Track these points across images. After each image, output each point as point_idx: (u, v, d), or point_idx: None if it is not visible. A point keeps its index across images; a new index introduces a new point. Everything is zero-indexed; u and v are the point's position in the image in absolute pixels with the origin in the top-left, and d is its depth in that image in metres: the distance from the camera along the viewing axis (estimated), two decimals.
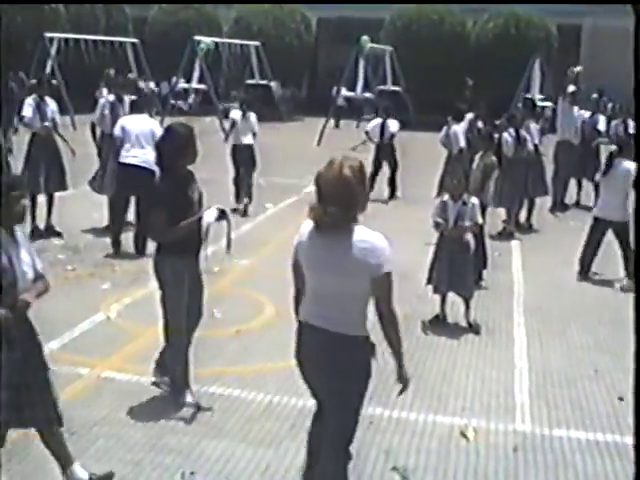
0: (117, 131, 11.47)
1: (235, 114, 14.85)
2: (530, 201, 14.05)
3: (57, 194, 12.11)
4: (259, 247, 11.72)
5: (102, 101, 12.95)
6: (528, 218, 14.12)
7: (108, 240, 11.66)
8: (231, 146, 14.83)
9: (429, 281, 8.71)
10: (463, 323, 8.70)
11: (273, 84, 34.57)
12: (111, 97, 12.86)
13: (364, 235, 4.24)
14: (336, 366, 4.34)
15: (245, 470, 5.59)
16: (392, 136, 16.62)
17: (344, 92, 30.30)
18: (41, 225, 11.97)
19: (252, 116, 14.81)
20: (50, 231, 11.93)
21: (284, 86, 33.85)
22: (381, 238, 4.26)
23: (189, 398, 6.40)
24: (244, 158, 14.64)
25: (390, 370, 4.62)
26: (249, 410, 6.47)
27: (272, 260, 11.05)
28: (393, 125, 16.64)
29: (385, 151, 16.64)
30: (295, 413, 6.45)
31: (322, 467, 4.59)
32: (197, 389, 6.70)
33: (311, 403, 6.57)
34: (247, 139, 14.63)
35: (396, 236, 11.68)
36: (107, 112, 12.53)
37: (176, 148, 6.25)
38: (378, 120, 17.14)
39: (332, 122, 30.05)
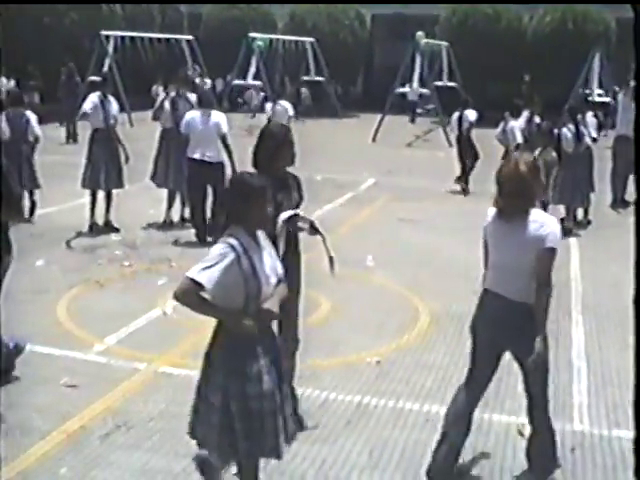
0: (184, 127, 11.63)
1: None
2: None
3: (115, 190, 12.24)
4: (315, 244, 11.67)
5: (162, 97, 13.03)
6: (585, 214, 13.93)
7: (164, 236, 11.79)
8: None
9: None
10: None
11: (324, 80, 34.55)
12: (172, 93, 12.93)
13: (537, 216, 4.94)
14: (522, 330, 4.96)
15: (300, 466, 5.59)
16: (470, 126, 16.59)
17: (410, 87, 30.14)
18: (100, 221, 12.11)
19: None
20: (108, 227, 12.06)
21: (337, 83, 33.82)
22: (552, 219, 4.99)
23: None
24: None
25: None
26: (305, 406, 6.44)
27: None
28: (471, 115, 16.66)
29: (464, 143, 16.62)
30: (351, 410, 6.44)
31: (537, 425, 5.37)
32: None
33: (367, 400, 6.62)
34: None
35: (458, 233, 11.70)
36: (168, 107, 12.61)
37: (271, 148, 5.89)
38: (456, 114, 17.19)
39: (406, 118, 30.26)
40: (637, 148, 10.26)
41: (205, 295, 4.33)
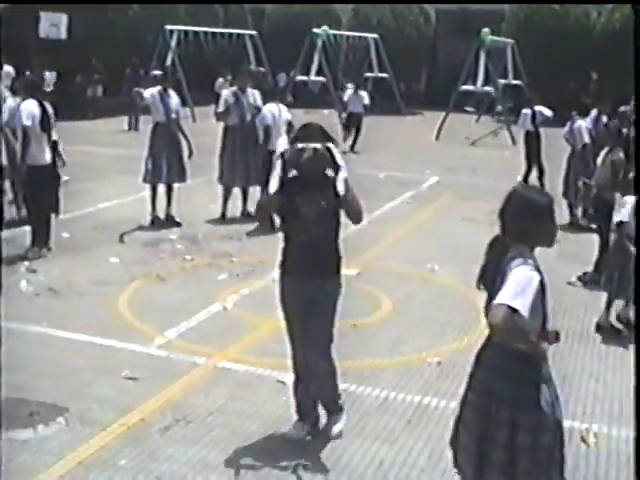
0: (269, 119, 11.93)
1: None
2: None
3: (176, 184, 12.30)
4: (376, 242, 11.64)
5: (225, 93, 13.03)
6: None
7: (225, 230, 11.82)
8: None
9: None
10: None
11: (388, 77, 34.40)
12: (233, 88, 12.93)
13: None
14: None
15: (359, 465, 5.54)
16: (546, 120, 16.48)
17: (468, 86, 29.90)
18: (161, 215, 12.18)
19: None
20: (170, 221, 12.13)
21: (401, 79, 33.65)
22: None
23: None
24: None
25: None
26: (365, 405, 6.41)
27: (390, 256, 10.99)
28: (546, 111, 16.52)
29: (533, 142, 16.48)
30: (411, 410, 6.37)
31: None
32: None
33: (427, 401, 6.54)
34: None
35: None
36: (231, 103, 12.63)
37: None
38: (527, 110, 17.06)
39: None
40: (637, 148, 10.03)
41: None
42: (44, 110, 10.23)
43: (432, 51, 40.94)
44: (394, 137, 26.34)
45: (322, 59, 31.21)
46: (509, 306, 3.85)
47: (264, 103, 12.34)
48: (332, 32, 32.75)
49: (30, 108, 10.08)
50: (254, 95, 12.73)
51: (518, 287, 3.90)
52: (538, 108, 16.54)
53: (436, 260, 10.51)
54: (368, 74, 34.72)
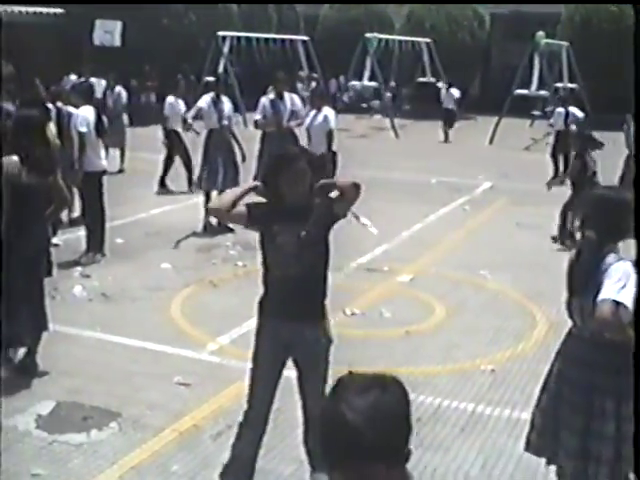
0: (332, 123, 12.04)
1: None
2: None
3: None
4: (430, 247, 11.57)
5: (263, 100, 12.99)
6: None
7: None
8: None
9: None
10: None
11: (440, 83, 34.23)
12: (271, 95, 12.90)
13: None
14: None
15: (412, 472, 5.46)
16: (576, 121, 16.49)
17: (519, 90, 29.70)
18: (214, 221, 12.21)
19: None
20: (222, 227, 12.15)
21: (454, 84, 33.42)
22: None
23: None
24: None
25: None
26: (418, 412, 6.34)
27: (443, 261, 10.90)
28: (578, 112, 16.54)
29: (562, 141, 16.50)
30: (465, 418, 6.30)
31: None
32: None
33: (481, 409, 6.46)
34: None
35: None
36: (268, 110, 12.62)
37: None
38: (560, 109, 17.12)
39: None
40: (637, 148, 9.86)
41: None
42: (99, 116, 10.36)
43: (486, 55, 40.64)
44: (446, 142, 26.25)
45: (375, 64, 31.15)
46: (614, 300, 4.01)
47: (314, 108, 12.31)
48: (385, 37, 32.68)
49: (85, 114, 10.22)
50: (293, 100, 12.67)
51: (620, 282, 4.07)
52: (571, 109, 16.61)
53: (490, 266, 10.40)
54: (420, 79, 34.60)
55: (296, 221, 4.71)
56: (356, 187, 4.76)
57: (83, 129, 10.11)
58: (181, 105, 15.48)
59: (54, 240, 10.68)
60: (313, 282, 4.82)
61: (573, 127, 17.05)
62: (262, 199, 4.84)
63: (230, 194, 4.90)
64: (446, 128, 26.59)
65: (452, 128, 26.71)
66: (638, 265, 4.19)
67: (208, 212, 5.28)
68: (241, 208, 4.75)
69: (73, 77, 25.58)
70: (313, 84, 32.05)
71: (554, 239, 11.86)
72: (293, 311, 4.74)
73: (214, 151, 12.12)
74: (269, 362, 4.93)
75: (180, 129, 14.59)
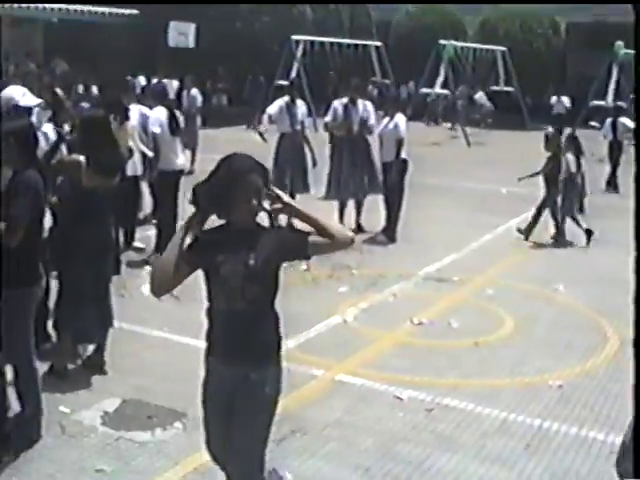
0: (403, 131, 11.91)
1: None
2: None
3: (298, 195, 12.32)
4: (500, 258, 11.43)
5: (335, 103, 12.93)
6: None
7: None
8: None
9: None
10: None
11: (514, 91, 33.86)
12: (344, 100, 12.85)
13: None
14: None
15: None
16: (627, 132, 16.53)
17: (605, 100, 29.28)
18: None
19: None
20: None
21: (528, 93, 33.04)
22: None
23: None
24: None
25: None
26: (483, 425, 6.27)
27: (514, 273, 10.77)
28: (629, 122, 16.45)
29: (615, 151, 16.72)
30: (531, 433, 6.19)
31: None
32: (431, 399, 6.59)
33: (547, 425, 6.35)
34: None
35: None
36: (340, 115, 12.57)
37: None
38: (610, 120, 17.24)
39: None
40: (637, 148, 9.61)
41: None
42: (173, 116, 10.47)
43: (561, 64, 40.11)
44: (517, 152, 25.90)
45: (448, 72, 30.96)
46: None
47: (387, 115, 12.25)
48: (460, 44, 32.47)
49: (158, 116, 10.35)
50: (365, 106, 12.59)
51: None
52: (622, 120, 16.52)
53: (561, 280, 10.23)
54: (494, 87, 34.28)
55: (244, 247, 4.11)
56: (350, 242, 4.22)
57: (156, 130, 10.25)
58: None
59: (137, 244, 10.86)
60: (260, 319, 4.20)
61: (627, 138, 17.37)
62: (201, 223, 4.15)
63: (166, 257, 4.18)
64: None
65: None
66: (638, 265, 4.07)
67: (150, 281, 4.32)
68: (180, 269, 4.16)
69: (142, 78, 25.91)
70: (382, 90, 32.04)
71: (519, 231, 12.71)
72: (237, 352, 4.23)
73: (284, 155, 12.13)
74: (214, 408, 4.47)
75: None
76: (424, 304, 9.09)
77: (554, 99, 31.94)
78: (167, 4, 27.91)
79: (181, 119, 10.81)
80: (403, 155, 11.93)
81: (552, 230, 12.66)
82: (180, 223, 4.30)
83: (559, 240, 12.51)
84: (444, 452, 5.79)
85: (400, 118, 12.01)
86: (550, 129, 13.80)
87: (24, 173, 5.34)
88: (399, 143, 11.85)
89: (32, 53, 29.10)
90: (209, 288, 4.29)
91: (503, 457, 5.81)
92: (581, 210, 13.05)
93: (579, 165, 12.82)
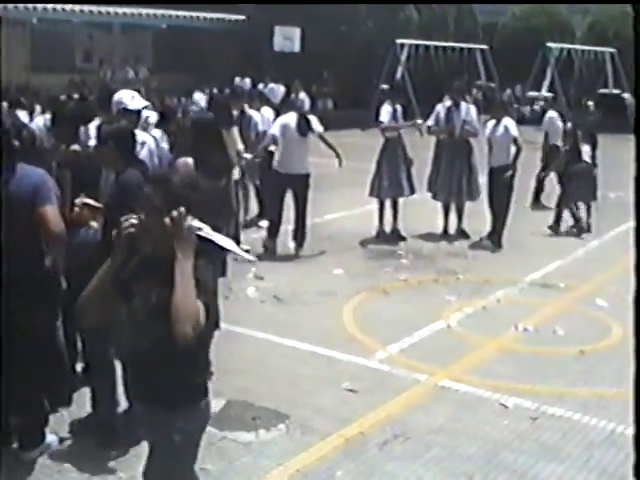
0: (515, 131, 11.77)
1: None
2: None
3: (402, 199, 12.28)
4: (608, 265, 11.18)
5: (439, 106, 12.84)
6: None
7: (451, 247, 11.72)
8: None
9: None
10: None
11: (626, 95, 33.13)
12: (447, 102, 12.76)
13: None
14: None
15: None
16: None
17: None
18: (387, 229, 12.21)
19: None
20: (395, 235, 12.13)
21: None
22: None
23: None
24: None
25: None
26: (590, 436, 6.14)
27: (622, 280, 10.49)
28: None
29: None
30: None
31: None
32: (536, 407, 6.49)
33: None
34: None
35: None
36: (442, 118, 12.48)
37: None
38: None
39: None
40: (637, 147, 9.15)
41: None
42: (303, 120, 10.92)
43: None
44: (626, 156, 25.33)
45: (555, 74, 30.48)
46: None
47: (494, 118, 12.13)
48: (567, 46, 31.94)
49: (266, 117, 10.80)
50: (468, 109, 12.46)
51: None
52: None
53: None
54: (602, 90, 33.59)
55: (153, 278, 3.65)
56: (186, 337, 3.50)
57: (276, 132, 10.77)
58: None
59: (243, 246, 11.04)
60: (167, 358, 3.65)
61: None
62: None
63: (92, 287, 3.74)
64: None
65: None
66: (638, 265, 3.90)
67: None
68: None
69: (247, 80, 26.24)
70: (487, 93, 31.77)
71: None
72: (141, 392, 3.89)
73: (388, 159, 12.10)
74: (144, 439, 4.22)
75: (559, 143, 14.50)
76: (529, 310, 8.96)
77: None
78: (275, 3, 28.15)
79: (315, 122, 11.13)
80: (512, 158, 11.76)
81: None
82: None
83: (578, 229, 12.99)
84: (549, 462, 5.69)
85: (508, 121, 11.85)
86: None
87: (126, 173, 5.48)
88: (515, 144, 11.65)
89: (140, 59, 29.81)
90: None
91: (610, 470, 5.67)
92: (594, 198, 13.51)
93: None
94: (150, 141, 7.73)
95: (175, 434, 3.76)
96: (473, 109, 12.59)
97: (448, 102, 12.63)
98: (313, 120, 11.16)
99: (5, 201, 4.99)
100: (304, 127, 10.82)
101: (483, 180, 12.25)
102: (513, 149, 11.56)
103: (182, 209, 3.55)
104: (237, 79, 26.33)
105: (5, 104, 12.76)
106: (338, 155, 11.27)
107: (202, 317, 3.51)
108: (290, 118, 10.91)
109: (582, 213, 13.26)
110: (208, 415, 3.94)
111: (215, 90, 21.93)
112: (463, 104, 12.53)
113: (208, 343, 3.79)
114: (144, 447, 5.61)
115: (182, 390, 3.76)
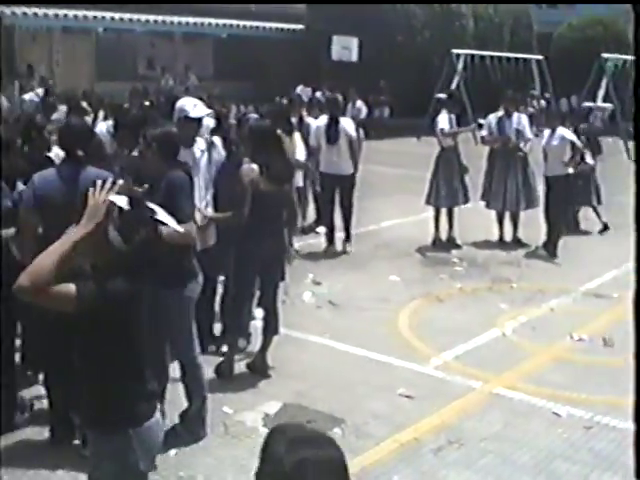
0: (573, 138, 11.77)
1: None
2: None
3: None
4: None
5: (490, 116, 12.78)
6: None
7: (506, 255, 11.69)
8: None
9: None
10: None
11: None
12: (499, 113, 12.69)
13: None
14: None
15: None
16: None
17: None
18: (443, 236, 12.23)
19: None
20: (451, 243, 12.14)
21: None
22: None
23: None
24: None
25: None
26: None
27: None
28: None
29: None
30: None
31: None
32: (590, 417, 6.49)
33: None
34: None
35: None
36: (494, 128, 12.46)
37: None
38: None
39: None
40: (637, 148, 9.00)
41: None
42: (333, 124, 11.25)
43: None
44: None
45: (610, 85, 30.16)
46: None
47: (549, 128, 12.09)
48: (623, 57, 31.60)
49: (321, 124, 11.35)
50: (520, 119, 12.43)
51: None
52: None
53: None
54: None
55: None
56: None
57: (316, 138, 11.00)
58: None
59: (296, 246, 11.19)
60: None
61: None
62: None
63: (49, 255, 3.24)
64: None
65: None
66: (638, 265, 3.90)
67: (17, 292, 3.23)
68: (68, 287, 3.26)
69: (308, 89, 26.41)
70: (542, 103, 31.50)
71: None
72: (80, 411, 3.77)
73: (444, 168, 12.13)
74: None
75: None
76: (583, 320, 8.93)
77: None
78: (333, 2, 28.35)
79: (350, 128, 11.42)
80: (570, 170, 11.71)
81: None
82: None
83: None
84: (603, 472, 5.68)
85: (564, 131, 11.82)
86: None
87: (172, 174, 5.56)
88: (572, 150, 11.65)
89: (203, 67, 30.13)
90: None
91: None
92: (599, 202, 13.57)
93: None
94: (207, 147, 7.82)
95: (106, 463, 3.48)
96: (525, 118, 12.58)
97: (500, 112, 12.66)
98: (346, 123, 11.50)
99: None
100: (333, 135, 11.25)
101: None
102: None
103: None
104: (299, 87, 26.45)
105: (64, 108, 12.98)
106: (356, 165, 11.59)
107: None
108: (322, 122, 11.47)
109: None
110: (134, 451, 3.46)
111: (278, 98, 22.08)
112: (515, 113, 12.52)
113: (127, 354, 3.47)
114: (200, 447, 5.77)
115: (103, 412, 3.48)
